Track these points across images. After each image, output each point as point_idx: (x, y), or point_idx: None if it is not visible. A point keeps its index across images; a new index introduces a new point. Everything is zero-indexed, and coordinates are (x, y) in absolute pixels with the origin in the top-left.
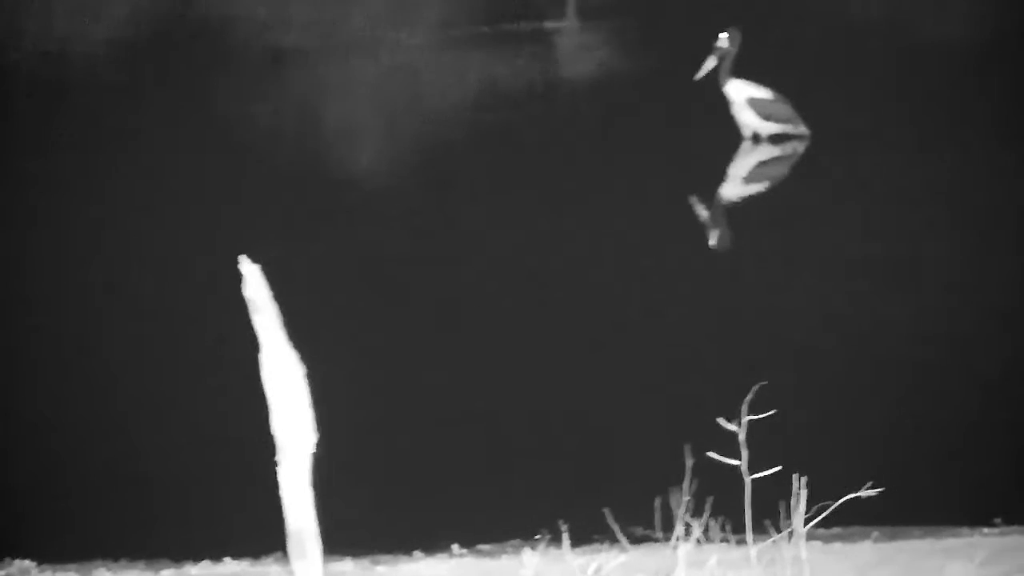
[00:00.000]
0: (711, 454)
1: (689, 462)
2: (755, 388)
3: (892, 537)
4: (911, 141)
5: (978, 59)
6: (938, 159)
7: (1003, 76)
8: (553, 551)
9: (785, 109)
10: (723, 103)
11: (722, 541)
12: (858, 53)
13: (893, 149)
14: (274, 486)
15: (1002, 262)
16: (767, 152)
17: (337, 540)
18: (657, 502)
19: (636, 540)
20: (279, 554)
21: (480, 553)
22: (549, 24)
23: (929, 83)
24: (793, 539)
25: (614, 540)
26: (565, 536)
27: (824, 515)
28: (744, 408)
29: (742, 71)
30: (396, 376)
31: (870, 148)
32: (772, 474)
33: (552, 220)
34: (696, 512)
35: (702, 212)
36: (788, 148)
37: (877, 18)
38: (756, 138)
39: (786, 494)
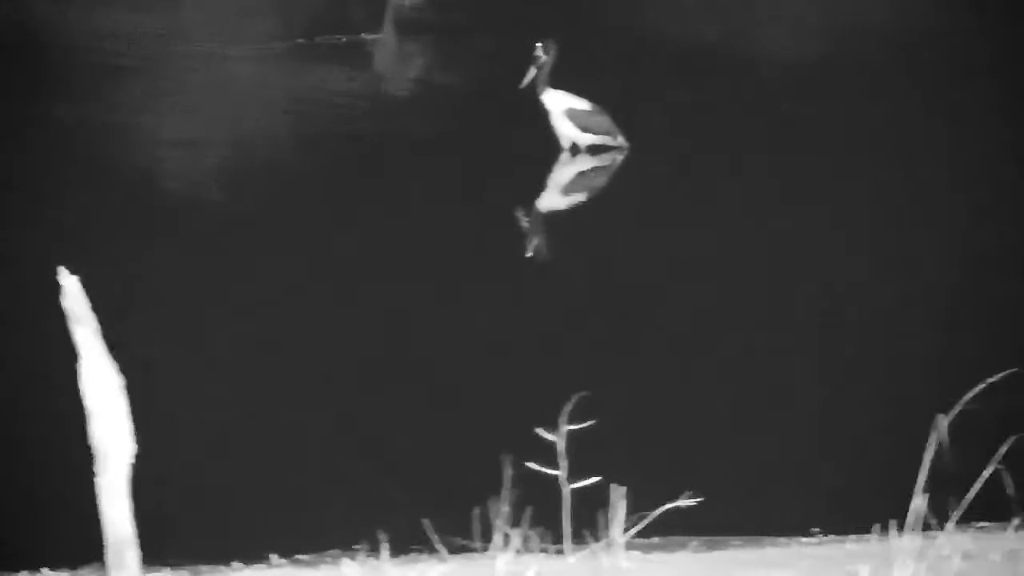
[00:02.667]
0: (530, 464)
1: (508, 472)
2: (574, 398)
3: (711, 547)
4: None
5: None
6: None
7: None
8: (372, 561)
9: (603, 121)
10: (542, 113)
11: (541, 551)
12: (686, 64)
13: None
14: (92, 496)
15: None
16: (586, 163)
17: (156, 550)
18: (476, 512)
19: (455, 550)
20: (98, 564)
21: (299, 563)
22: (367, 36)
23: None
24: (611, 549)
25: (433, 550)
26: (384, 546)
27: (641, 525)
28: (563, 418)
29: (561, 82)
30: (216, 386)
31: (695, 157)
32: (591, 484)
33: (371, 231)
34: (515, 522)
35: (523, 222)
36: (607, 159)
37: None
38: (575, 149)
39: (605, 504)
